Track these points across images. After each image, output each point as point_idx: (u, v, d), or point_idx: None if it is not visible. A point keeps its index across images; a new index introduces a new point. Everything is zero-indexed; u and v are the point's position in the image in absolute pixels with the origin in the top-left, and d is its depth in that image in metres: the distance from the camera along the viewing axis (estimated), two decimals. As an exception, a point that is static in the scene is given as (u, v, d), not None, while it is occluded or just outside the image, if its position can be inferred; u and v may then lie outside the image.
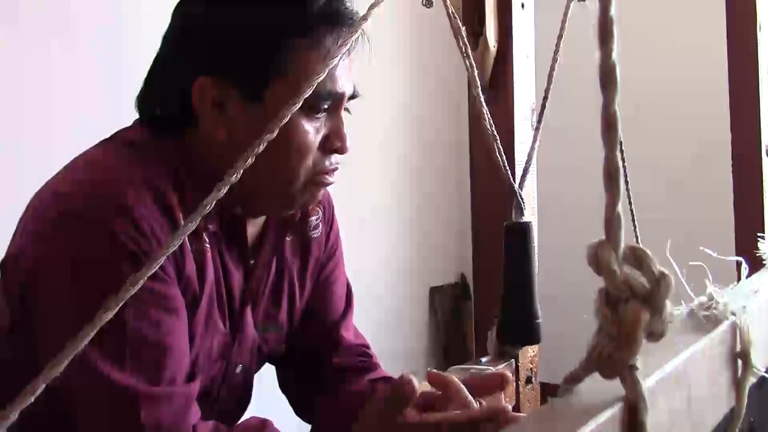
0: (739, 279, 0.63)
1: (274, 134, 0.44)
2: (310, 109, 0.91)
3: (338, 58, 0.49)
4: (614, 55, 0.44)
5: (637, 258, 0.45)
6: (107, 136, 0.99)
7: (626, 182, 1.18)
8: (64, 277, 0.85)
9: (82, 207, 0.86)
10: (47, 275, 0.87)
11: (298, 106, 0.46)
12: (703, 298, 0.58)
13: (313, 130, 0.93)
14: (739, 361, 0.55)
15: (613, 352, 0.44)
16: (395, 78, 3.31)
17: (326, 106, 0.93)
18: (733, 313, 0.55)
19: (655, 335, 0.45)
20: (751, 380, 0.56)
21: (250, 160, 0.43)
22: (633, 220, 1.14)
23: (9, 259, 0.92)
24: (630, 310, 0.44)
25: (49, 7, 1.99)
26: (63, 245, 0.86)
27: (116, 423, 0.85)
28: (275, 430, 0.95)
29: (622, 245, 0.45)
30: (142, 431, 0.83)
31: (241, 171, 0.43)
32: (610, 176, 0.45)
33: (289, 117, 0.45)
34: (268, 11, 0.91)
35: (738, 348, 0.56)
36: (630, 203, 1.05)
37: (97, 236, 0.84)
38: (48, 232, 0.87)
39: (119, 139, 0.97)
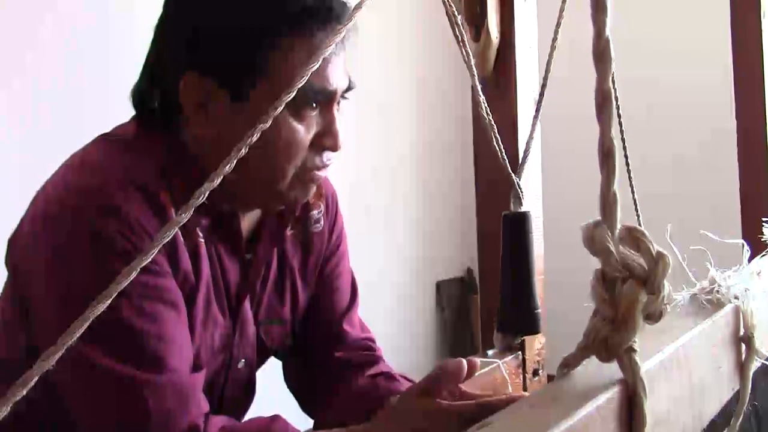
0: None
1: (255, 138, 0.43)
2: (299, 107, 0.90)
3: (321, 57, 0.47)
4: (608, 31, 0.43)
5: (634, 238, 0.44)
6: (101, 131, 0.99)
7: (627, 163, 1.16)
8: (54, 277, 0.86)
9: (72, 208, 0.86)
10: (40, 275, 0.87)
11: (281, 109, 0.45)
12: (705, 282, 0.57)
13: (302, 129, 0.91)
14: (743, 345, 0.54)
15: (610, 335, 0.43)
16: (400, 73, 3.30)
17: (315, 104, 0.92)
18: (736, 297, 0.54)
19: (653, 317, 0.44)
20: (756, 364, 0.55)
21: (229, 167, 0.42)
22: (636, 207, 1.12)
23: (11, 258, 0.93)
24: (627, 290, 0.43)
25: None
26: (54, 246, 0.86)
27: (124, 414, 0.84)
28: (284, 423, 0.94)
29: (619, 225, 0.44)
30: (149, 420, 0.83)
31: (228, 170, 0.42)
32: (605, 155, 0.44)
33: (273, 118, 0.44)
34: (253, 8, 0.90)
35: (741, 332, 0.54)
36: (632, 191, 1.03)
37: (86, 237, 0.84)
38: (40, 233, 0.88)
39: (114, 136, 0.97)
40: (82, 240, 0.85)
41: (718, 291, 0.55)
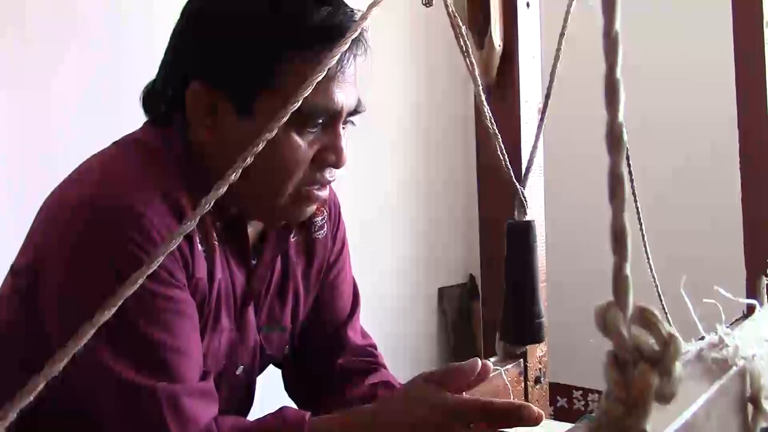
0: (749, 312, 0.62)
1: (259, 148, 0.44)
2: (303, 124, 0.91)
3: (324, 72, 0.48)
4: (619, 70, 0.41)
5: (645, 319, 0.45)
6: (111, 137, 1.00)
7: (632, 180, 1.16)
8: (72, 286, 0.87)
9: (93, 218, 0.87)
10: (56, 284, 0.89)
11: (284, 120, 0.45)
12: (715, 337, 0.58)
13: (304, 145, 0.92)
14: (750, 406, 0.55)
15: (623, 417, 0.44)
16: (403, 79, 3.27)
17: (320, 121, 0.92)
18: (743, 357, 0.54)
19: (665, 399, 0.44)
20: (763, 424, 0.55)
21: (235, 175, 0.43)
22: (640, 222, 1.13)
23: (22, 266, 0.94)
24: (639, 373, 0.43)
25: (55, 8, 1.97)
26: (74, 255, 0.87)
27: (140, 422, 0.87)
28: (293, 409, 0.95)
29: (631, 307, 0.44)
30: (166, 428, 0.85)
31: (234, 178, 0.43)
32: (617, 238, 0.44)
33: (275, 132, 0.44)
34: (263, 23, 0.90)
35: (748, 392, 0.55)
36: (637, 210, 1.03)
37: (106, 246, 0.86)
38: (58, 243, 0.89)
39: (131, 141, 0.98)
40: (106, 251, 0.87)
41: (725, 349, 0.56)
